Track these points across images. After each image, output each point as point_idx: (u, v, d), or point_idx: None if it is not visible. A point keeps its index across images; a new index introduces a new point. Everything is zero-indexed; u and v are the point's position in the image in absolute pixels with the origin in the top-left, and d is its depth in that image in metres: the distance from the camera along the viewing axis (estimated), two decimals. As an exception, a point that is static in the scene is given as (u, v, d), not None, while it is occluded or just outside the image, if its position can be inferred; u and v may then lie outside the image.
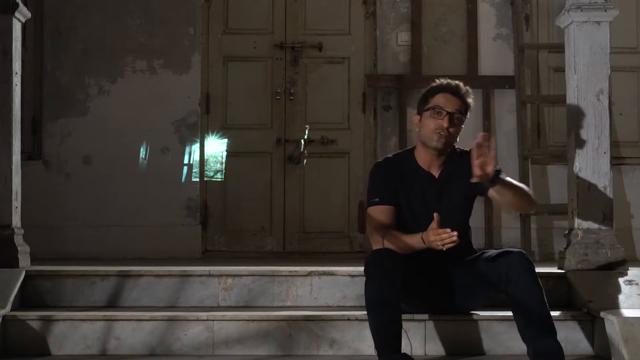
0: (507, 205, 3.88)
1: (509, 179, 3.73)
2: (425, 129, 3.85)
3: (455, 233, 3.53)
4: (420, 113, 3.90)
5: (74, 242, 6.16)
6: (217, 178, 6.51)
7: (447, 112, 3.80)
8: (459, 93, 3.85)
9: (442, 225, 3.58)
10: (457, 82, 3.90)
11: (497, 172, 3.63)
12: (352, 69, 6.59)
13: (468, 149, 3.92)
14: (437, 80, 3.93)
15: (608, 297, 4.16)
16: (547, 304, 3.60)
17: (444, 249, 3.58)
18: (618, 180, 6.11)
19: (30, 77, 6.21)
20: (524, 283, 3.59)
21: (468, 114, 3.90)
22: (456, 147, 3.97)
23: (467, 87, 3.91)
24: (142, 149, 6.35)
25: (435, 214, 3.60)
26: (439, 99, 3.84)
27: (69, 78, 6.36)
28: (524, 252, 3.73)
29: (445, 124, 3.79)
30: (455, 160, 3.90)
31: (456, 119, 3.82)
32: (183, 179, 6.36)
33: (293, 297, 4.36)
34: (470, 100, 3.89)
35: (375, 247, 3.78)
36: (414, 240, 3.70)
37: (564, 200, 5.05)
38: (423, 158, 3.91)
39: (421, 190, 3.89)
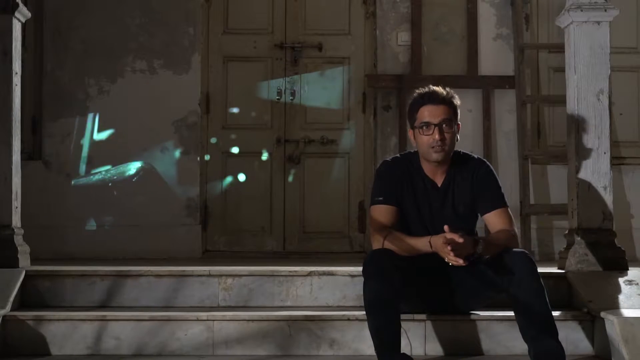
0: None
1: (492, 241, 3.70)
2: (420, 146, 3.83)
3: (461, 261, 3.53)
4: (412, 128, 3.87)
5: (74, 242, 6.16)
6: (216, 178, 6.50)
7: (435, 125, 3.76)
8: (440, 99, 3.79)
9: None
10: (434, 88, 3.83)
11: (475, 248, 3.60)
12: (352, 69, 6.58)
13: (474, 155, 3.94)
14: (417, 91, 3.88)
15: (608, 297, 4.15)
16: (549, 305, 3.60)
17: (447, 260, 3.57)
18: (618, 180, 6.11)
19: (30, 77, 6.20)
20: (526, 283, 3.58)
21: (458, 113, 3.85)
22: (460, 151, 3.96)
23: (448, 89, 3.85)
24: (142, 149, 6.34)
25: (445, 227, 3.58)
26: (423, 114, 3.79)
27: (69, 78, 6.36)
28: (527, 252, 3.72)
29: (436, 136, 3.75)
30: (458, 167, 3.88)
31: (446, 127, 3.77)
32: (183, 179, 6.35)
33: (293, 297, 4.35)
34: (455, 101, 3.83)
35: (375, 247, 3.76)
36: (421, 243, 3.68)
37: (564, 200, 5.05)
38: (426, 167, 3.89)
39: (426, 195, 3.88)
